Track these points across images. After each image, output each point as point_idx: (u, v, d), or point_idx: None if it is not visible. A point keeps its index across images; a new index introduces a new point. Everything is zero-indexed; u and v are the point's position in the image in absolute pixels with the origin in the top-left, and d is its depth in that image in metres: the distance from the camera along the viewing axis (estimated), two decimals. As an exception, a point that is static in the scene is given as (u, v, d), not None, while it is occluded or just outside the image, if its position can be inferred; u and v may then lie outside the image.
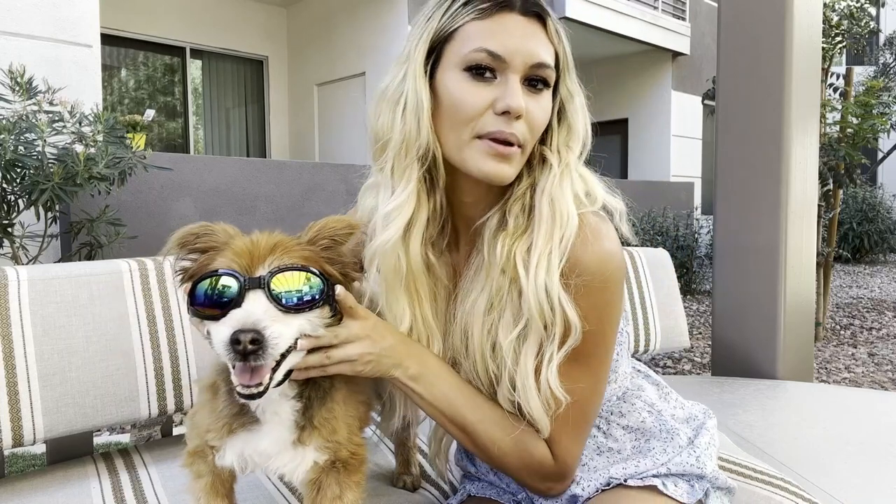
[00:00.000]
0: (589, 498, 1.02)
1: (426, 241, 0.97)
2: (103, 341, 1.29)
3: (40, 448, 2.61)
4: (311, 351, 0.83)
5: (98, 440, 2.93)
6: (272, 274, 0.75)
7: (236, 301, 0.74)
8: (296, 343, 0.78)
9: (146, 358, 1.33)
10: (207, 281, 0.75)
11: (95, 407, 1.27)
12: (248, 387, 0.74)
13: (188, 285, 0.79)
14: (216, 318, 0.74)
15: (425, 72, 0.92)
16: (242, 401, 0.80)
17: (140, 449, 1.44)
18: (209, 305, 0.75)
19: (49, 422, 1.23)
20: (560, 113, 0.97)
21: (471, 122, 0.90)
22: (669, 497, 1.00)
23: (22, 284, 1.23)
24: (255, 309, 0.73)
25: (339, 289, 0.84)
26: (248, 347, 0.70)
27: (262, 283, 0.75)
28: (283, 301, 0.75)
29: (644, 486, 1.01)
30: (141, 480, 1.28)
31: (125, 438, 3.00)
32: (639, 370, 1.17)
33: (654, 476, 1.02)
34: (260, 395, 0.74)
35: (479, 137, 0.90)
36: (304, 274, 0.77)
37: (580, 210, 0.94)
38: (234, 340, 0.70)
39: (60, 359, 1.24)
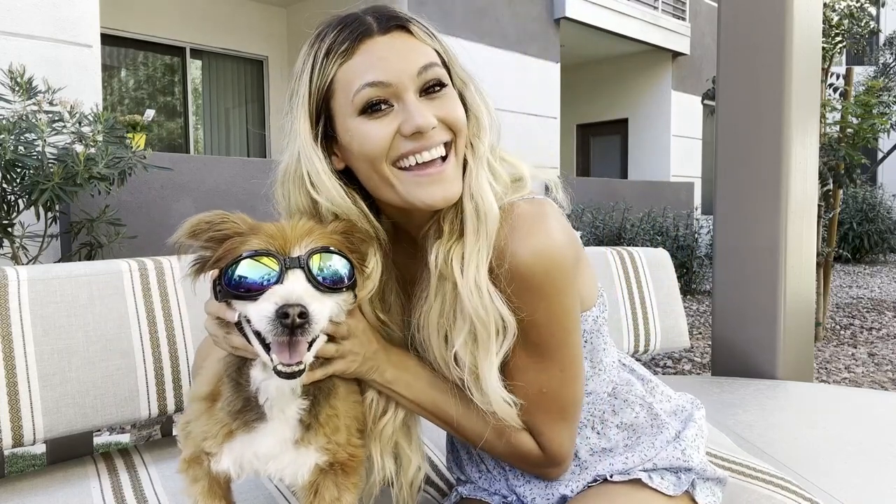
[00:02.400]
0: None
1: (375, 300, 0.97)
2: (103, 341, 1.29)
3: (40, 448, 2.61)
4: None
5: (98, 440, 2.93)
6: (310, 254, 0.78)
7: (278, 279, 0.76)
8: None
9: (146, 358, 1.33)
10: (246, 262, 0.77)
11: (95, 407, 1.27)
12: (290, 365, 0.74)
13: (215, 271, 0.80)
14: (254, 297, 0.75)
15: (316, 142, 0.91)
16: (260, 384, 0.82)
17: (140, 449, 1.44)
18: (248, 286, 0.76)
19: (49, 422, 1.23)
20: (467, 105, 0.95)
21: (383, 156, 0.88)
22: (654, 490, 1.00)
23: (22, 284, 1.23)
24: (297, 286, 0.75)
25: None
26: (296, 320, 0.71)
27: (301, 263, 0.77)
28: (321, 280, 0.78)
29: (629, 481, 1.01)
30: (141, 480, 1.28)
31: (125, 438, 3.00)
32: (624, 364, 1.17)
33: (640, 471, 1.02)
34: (300, 373, 0.76)
35: (399, 167, 0.89)
36: (337, 257, 0.80)
37: (511, 198, 0.94)
38: (283, 314, 0.71)
39: (60, 359, 1.24)
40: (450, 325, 0.93)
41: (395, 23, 0.90)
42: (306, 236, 0.80)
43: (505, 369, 0.94)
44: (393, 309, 1.00)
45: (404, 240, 1.04)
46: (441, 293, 0.93)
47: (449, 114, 0.90)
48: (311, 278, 0.77)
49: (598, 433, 1.07)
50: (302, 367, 0.75)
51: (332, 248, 0.80)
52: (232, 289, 0.77)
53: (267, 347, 0.76)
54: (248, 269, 0.76)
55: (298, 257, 0.77)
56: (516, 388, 0.94)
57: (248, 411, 0.84)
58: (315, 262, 0.78)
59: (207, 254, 0.83)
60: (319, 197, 0.91)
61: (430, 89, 0.90)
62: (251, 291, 0.76)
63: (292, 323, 0.71)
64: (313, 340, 0.78)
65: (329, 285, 0.78)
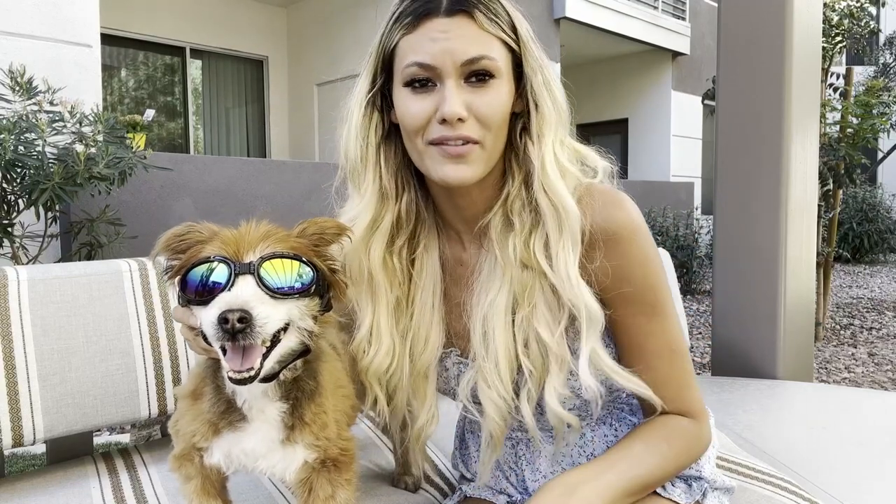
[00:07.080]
0: None
1: (393, 248, 1.00)
2: (103, 341, 1.29)
3: (40, 448, 2.61)
4: None
5: (98, 440, 2.93)
6: (262, 260, 0.77)
7: (226, 285, 0.75)
8: (285, 329, 0.78)
9: (146, 358, 1.33)
10: (198, 267, 0.77)
11: (95, 407, 1.27)
12: (240, 371, 0.74)
13: (179, 277, 0.80)
14: (206, 303, 0.75)
15: (367, 94, 0.97)
16: (234, 387, 0.81)
17: (140, 449, 1.44)
18: (199, 291, 0.76)
19: (49, 422, 1.23)
20: (533, 96, 0.96)
21: (420, 132, 0.92)
22: (667, 498, 1.00)
23: (22, 284, 1.23)
24: (244, 292, 0.75)
25: None
26: (236, 326, 0.71)
27: (251, 269, 0.76)
28: (271, 286, 0.76)
29: None
30: (141, 480, 1.28)
31: (125, 438, 3.00)
32: None
33: None
34: (251, 380, 0.74)
35: (431, 144, 0.92)
36: (293, 262, 0.79)
37: (585, 182, 0.97)
38: (223, 319, 0.71)
39: (60, 359, 1.24)
40: (531, 312, 0.94)
41: (461, 7, 0.90)
42: (261, 241, 0.79)
43: (635, 348, 0.97)
44: (425, 267, 1.03)
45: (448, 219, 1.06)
46: (520, 281, 0.94)
47: (483, 107, 0.90)
48: (262, 284, 0.76)
49: (616, 430, 1.07)
50: (253, 373, 0.74)
51: (287, 253, 0.79)
52: (187, 294, 0.77)
53: (225, 352, 0.75)
54: (200, 276, 0.76)
55: (250, 263, 0.76)
56: (653, 366, 0.96)
57: (233, 412, 0.84)
58: (269, 268, 0.77)
59: (175, 263, 0.83)
60: (347, 145, 0.99)
61: (477, 76, 0.90)
62: (203, 297, 0.76)
63: (232, 328, 0.70)
64: (272, 347, 0.77)
65: (281, 290, 0.76)
